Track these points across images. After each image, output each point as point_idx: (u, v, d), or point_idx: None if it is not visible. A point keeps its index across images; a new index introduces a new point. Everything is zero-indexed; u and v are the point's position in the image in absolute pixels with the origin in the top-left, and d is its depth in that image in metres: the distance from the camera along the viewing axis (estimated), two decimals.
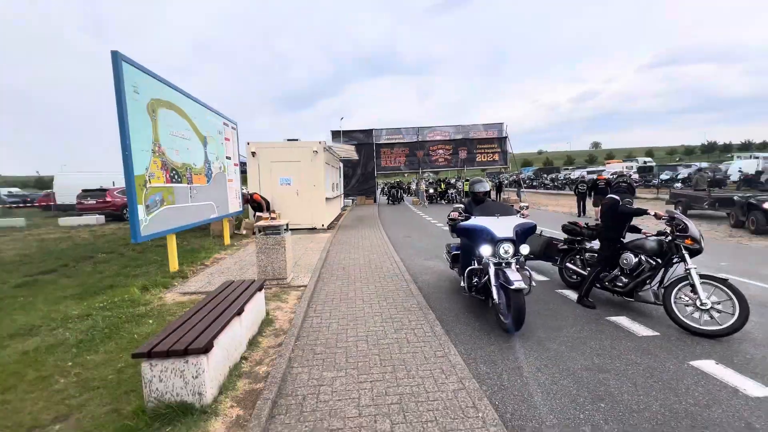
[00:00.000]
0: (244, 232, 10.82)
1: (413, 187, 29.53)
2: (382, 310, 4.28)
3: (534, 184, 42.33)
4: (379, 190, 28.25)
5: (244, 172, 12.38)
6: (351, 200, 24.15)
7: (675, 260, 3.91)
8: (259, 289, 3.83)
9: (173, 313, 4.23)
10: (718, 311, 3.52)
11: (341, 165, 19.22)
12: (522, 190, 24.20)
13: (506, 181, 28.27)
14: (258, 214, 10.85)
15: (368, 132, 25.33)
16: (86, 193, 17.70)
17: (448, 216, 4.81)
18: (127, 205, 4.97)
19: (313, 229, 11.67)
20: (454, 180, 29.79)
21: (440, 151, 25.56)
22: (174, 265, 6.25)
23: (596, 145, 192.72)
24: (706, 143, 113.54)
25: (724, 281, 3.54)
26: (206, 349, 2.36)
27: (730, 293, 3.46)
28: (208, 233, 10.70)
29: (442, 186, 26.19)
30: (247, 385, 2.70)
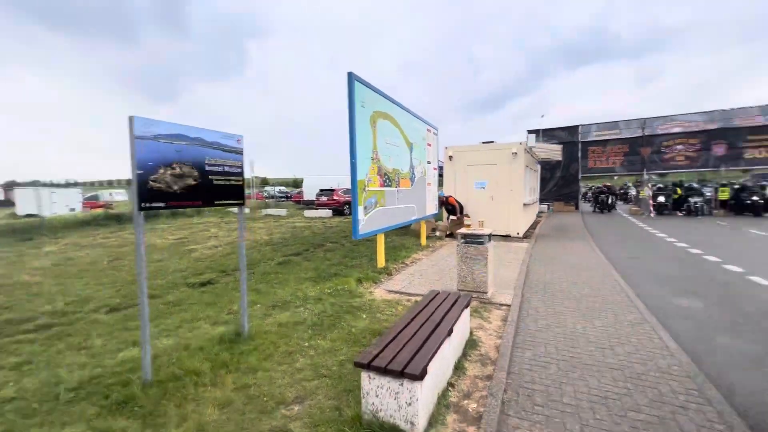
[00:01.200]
0: (438, 234, 11.07)
1: (631, 192, 23.63)
2: (620, 363, 3.19)
3: None
4: (581, 195, 24.01)
5: (441, 176, 12.75)
6: (546, 206, 21.50)
7: None
8: (466, 306, 3.50)
9: (382, 310, 4.47)
10: None
11: (539, 167, 17.28)
12: None
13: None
14: (451, 217, 10.88)
15: (572, 129, 21.88)
16: (321, 192, 22.60)
17: None
18: (351, 206, 5.70)
19: (507, 237, 10.80)
20: (697, 184, 22.10)
21: (679, 147, 19.35)
22: (381, 261, 6.85)
23: None
24: None
25: None
26: (421, 376, 2.15)
27: None
28: (406, 232, 11.52)
29: (679, 192, 19.77)
30: (458, 423, 2.38)
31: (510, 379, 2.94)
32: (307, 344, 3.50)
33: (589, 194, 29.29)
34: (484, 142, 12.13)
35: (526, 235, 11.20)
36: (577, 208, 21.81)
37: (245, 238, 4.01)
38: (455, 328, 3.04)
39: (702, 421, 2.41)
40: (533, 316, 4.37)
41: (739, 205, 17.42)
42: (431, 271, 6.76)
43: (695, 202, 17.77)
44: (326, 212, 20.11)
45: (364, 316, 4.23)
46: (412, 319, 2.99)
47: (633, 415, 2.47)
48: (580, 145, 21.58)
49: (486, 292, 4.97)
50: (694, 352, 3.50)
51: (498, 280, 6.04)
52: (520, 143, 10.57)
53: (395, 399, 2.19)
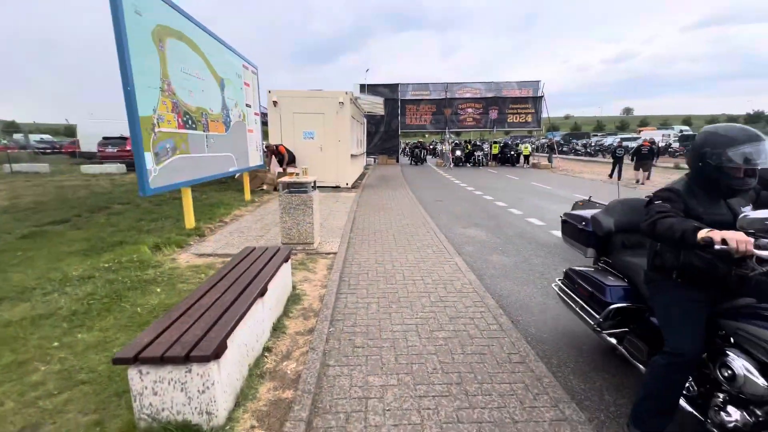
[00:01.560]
0: (266, 187, 10.17)
1: (438, 148, 28.07)
2: (428, 290, 3.56)
3: (564, 149, 39.85)
4: (401, 150, 26.96)
5: (265, 124, 11.55)
6: (373, 159, 23.13)
7: None
8: (285, 260, 3.14)
9: (186, 279, 3.64)
10: None
11: (365, 121, 18.05)
12: (554, 155, 22.54)
13: (532, 145, 26.48)
14: (279, 170, 10.13)
15: (394, 87, 23.65)
16: (107, 141, 17.35)
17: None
18: (132, 152, 4.28)
19: (336, 188, 10.93)
20: (479, 142, 28.13)
21: (469, 110, 23.78)
22: (190, 221, 5.67)
23: (628, 111, 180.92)
24: (752, 113, 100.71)
25: None
26: (217, 354, 1.69)
27: None
28: (228, 187, 10.12)
29: (469, 148, 24.72)
30: (272, 392, 2.07)
31: (333, 327, 2.83)
32: (56, 344, 2.44)
33: (407, 149, 33.26)
34: (312, 90, 11.53)
35: (354, 186, 11.65)
36: (397, 161, 24.34)
37: None
38: (271, 286, 2.65)
39: (484, 325, 2.88)
40: (358, 261, 4.44)
41: (503, 158, 23.08)
42: (255, 227, 6.08)
43: (478, 156, 22.56)
44: (115, 167, 15.69)
45: (159, 290, 3.32)
46: (215, 284, 2.41)
47: (438, 334, 2.75)
48: (399, 103, 23.63)
49: (312, 243, 4.76)
50: (478, 270, 4.28)
51: (326, 230, 5.95)
52: (346, 93, 10.49)
53: (183, 391, 1.67)
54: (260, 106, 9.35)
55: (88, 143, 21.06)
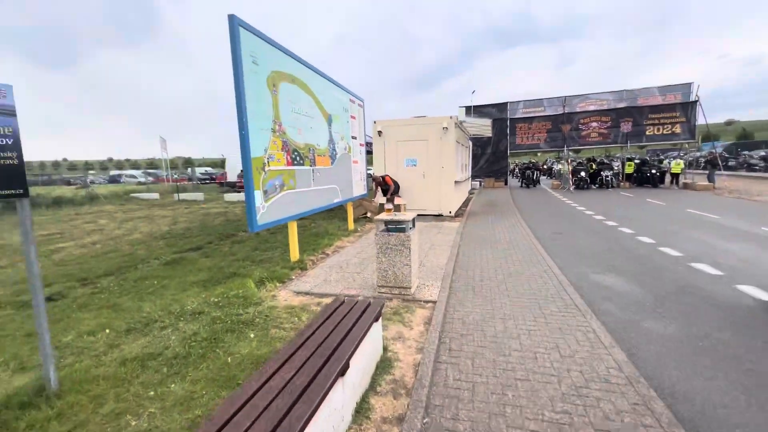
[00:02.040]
0: (368, 214, 10.27)
1: (555, 167, 25.17)
2: (556, 372, 2.67)
3: (731, 164, 31.43)
4: (510, 171, 24.99)
5: (369, 153, 11.86)
6: (478, 182, 21.96)
7: None
8: (376, 319, 2.71)
9: (280, 323, 3.53)
10: None
11: (470, 144, 17.26)
12: (718, 172, 17.76)
13: (685, 161, 21.40)
14: (383, 200, 10.12)
15: (502, 106, 22.32)
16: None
17: None
18: (244, 190, 4.56)
19: (439, 216, 10.39)
20: (607, 159, 24.19)
21: (594, 124, 20.74)
22: (295, 254, 5.83)
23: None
24: None
25: None
26: None
27: None
28: (335, 214, 10.55)
29: (593, 167, 21.41)
30: None
31: (428, 419, 2.23)
32: (152, 393, 2.44)
33: (517, 170, 30.85)
34: (416, 117, 11.45)
35: (458, 214, 10.93)
36: (506, 183, 22.60)
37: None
38: (356, 359, 2.22)
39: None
40: (461, 316, 3.76)
41: (640, 178, 19.28)
42: (354, 261, 5.94)
43: (606, 176, 19.31)
44: None
45: (252, 335, 3.25)
46: (292, 355, 2.09)
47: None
48: (508, 122, 22.13)
49: (409, 288, 4.27)
50: (627, 343, 3.15)
51: (425, 270, 5.42)
52: (451, 117, 10.04)
53: None
54: (366, 136, 9.58)
55: (232, 174, 25.35)
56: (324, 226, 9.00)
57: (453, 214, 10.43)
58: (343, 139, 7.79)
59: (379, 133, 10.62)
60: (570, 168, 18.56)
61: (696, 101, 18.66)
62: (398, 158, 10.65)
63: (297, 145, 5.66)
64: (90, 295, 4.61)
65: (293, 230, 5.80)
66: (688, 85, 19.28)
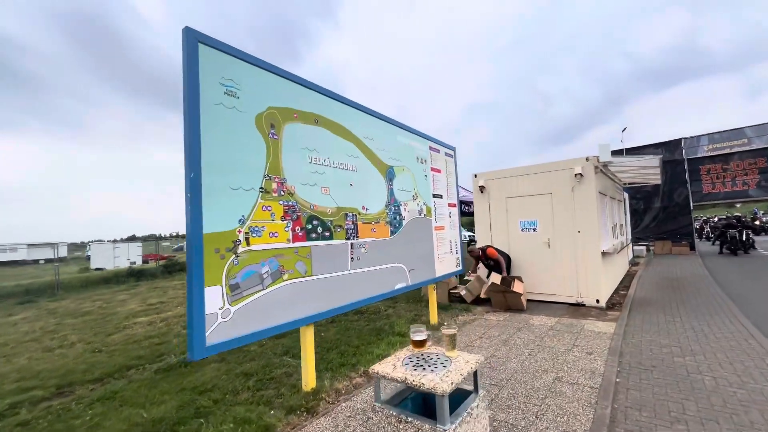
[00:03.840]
0: (463, 293, 7.46)
1: None
2: None
3: None
4: (697, 231, 17.68)
5: (470, 215, 9.36)
6: (645, 247, 16.05)
7: None
8: None
9: None
10: None
11: (626, 196, 12.68)
12: None
13: None
14: (491, 278, 7.28)
15: (672, 145, 16.63)
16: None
17: None
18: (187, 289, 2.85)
19: (577, 307, 6.79)
20: None
21: None
22: (310, 379, 3.70)
23: None
24: None
25: None
26: None
27: None
28: (410, 298, 8.11)
29: None
30: None
31: None
32: None
33: (707, 229, 22.27)
34: (533, 165, 8.57)
35: (613, 303, 7.01)
36: (692, 249, 15.90)
37: None
38: None
39: None
40: None
41: None
42: None
43: None
44: None
45: None
46: None
47: None
48: (686, 164, 16.16)
49: None
50: None
51: (547, 419, 2.48)
52: (587, 159, 6.85)
53: None
54: (460, 191, 7.25)
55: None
56: (384, 315, 6.69)
57: (602, 303, 6.67)
58: (416, 198, 5.70)
59: (481, 188, 8.12)
60: None
61: None
62: (509, 221, 7.79)
63: (318, 211, 3.84)
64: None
65: (308, 339, 3.73)
66: None
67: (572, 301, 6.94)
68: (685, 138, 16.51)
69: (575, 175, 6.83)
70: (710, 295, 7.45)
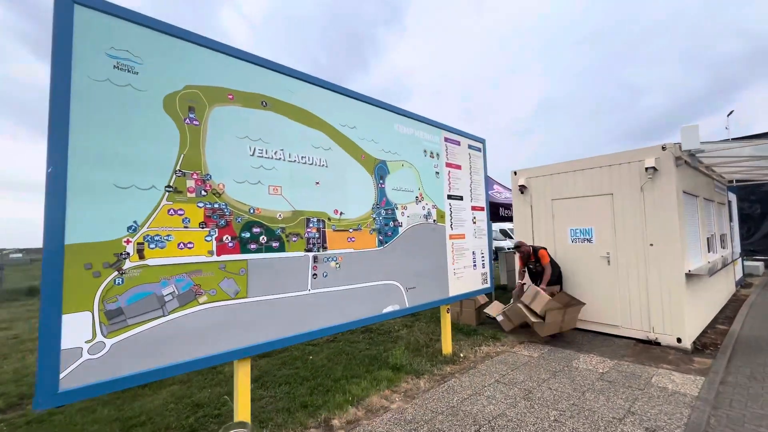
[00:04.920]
0: (498, 316, 6.07)
1: None
2: None
3: None
4: None
5: (508, 219, 7.94)
6: (762, 263, 12.57)
7: None
8: None
9: None
10: None
11: (730, 198, 9.92)
12: None
13: None
14: (539, 291, 5.84)
15: None
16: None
17: None
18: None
19: (647, 345, 5.08)
20: None
21: None
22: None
23: None
24: None
25: None
26: None
27: None
28: (432, 317, 6.91)
29: None
30: None
31: None
32: None
33: None
34: (588, 159, 6.85)
35: (704, 344, 5.13)
36: None
37: None
38: None
39: None
40: None
41: None
42: None
43: None
44: None
45: None
46: None
47: None
48: None
49: None
50: None
51: None
52: (664, 147, 5.12)
53: None
54: (487, 194, 5.98)
55: None
56: (405, 338, 5.66)
57: (687, 344, 4.87)
58: (421, 200, 4.65)
59: (522, 188, 6.69)
60: None
61: None
62: (555, 228, 6.26)
63: (264, 216, 3.06)
64: None
65: (240, 378, 2.94)
66: None
67: (641, 336, 5.23)
68: None
69: (646, 169, 5.14)
70: None
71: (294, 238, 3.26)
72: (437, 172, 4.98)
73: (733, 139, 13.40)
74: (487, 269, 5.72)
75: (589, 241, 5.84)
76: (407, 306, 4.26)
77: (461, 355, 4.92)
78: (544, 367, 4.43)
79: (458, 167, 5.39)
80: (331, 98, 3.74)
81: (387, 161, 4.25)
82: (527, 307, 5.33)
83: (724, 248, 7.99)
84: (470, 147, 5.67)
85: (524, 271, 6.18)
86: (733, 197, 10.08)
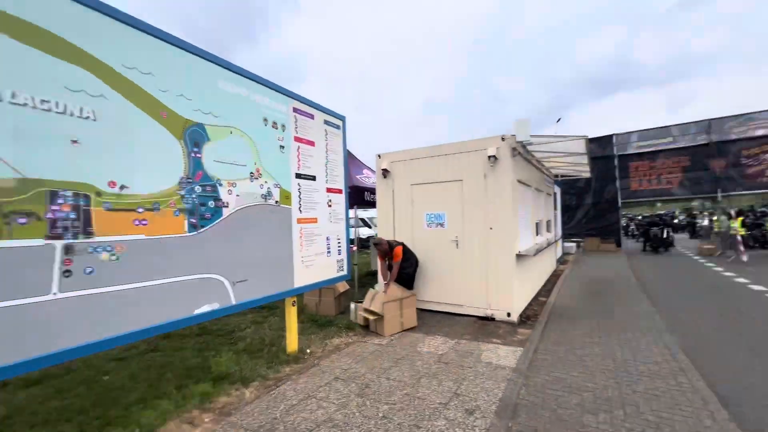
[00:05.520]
0: (352, 306, 5.82)
1: (704, 223, 17.41)
2: None
3: None
4: (623, 229, 17.83)
5: (370, 205, 7.84)
6: (575, 244, 15.75)
7: None
8: None
9: None
10: None
11: (556, 190, 11.93)
12: None
13: None
14: (369, 292, 5.69)
15: (605, 140, 16.41)
16: None
17: None
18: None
19: (485, 321, 5.49)
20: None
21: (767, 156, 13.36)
22: None
23: None
24: None
25: None
26: None
27: None
28: (302, 307, 6.38)
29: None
30: None
31: None
32: None
33: (632, 226, 23.02)
34: (443, 145, 7.11)
35: (528, 316, 5.82)
36: (618, 245, 15.88)
37: None
38: None
39: None
40: None
41: None
42: None
43: None
44: None
45: None
46: None
47: None
48: (617, 161, 16.02)
49: None
50: None
51: None
52: (503, 138, 5.51)
53: None
54: (347, 176, 5.60)
55: None
56: (250, 337, 4.95)
57: (515, 318, 5.42)
58: (258, 177, 3.92)
59: (385, 172, 6.56)
60: (740, 224, 11.41)
61: None
62: (414, 213, 6.32)
63: None
64: None
65: None
66: None
67: (481, 314, 5.63)
68: (616, 134, 16.37)
69: (489, 158, 5.46)
70: (633, 301, 6.56)
71: (21, 220, 2.20)
72: (282, 146, 4.31)
73: (552, 135, 16.16)
74: (344, 256, 5.36)
75: (441, 225, 6.02)
76: (233, 303, 3.54)
77: (308, 351, 4.45)
78: (390, 355, 4.29)
79: (311, 143, 4.82)
80: (105, 26, 2.68)
81: (206, 125, 3.39)
82: (368, 310, 5.19)
83: (549, 232, 9.47)
84: (327, 123, 5.16)
85: (383, 268, 6.01)
86: (558, 190, 12.14)
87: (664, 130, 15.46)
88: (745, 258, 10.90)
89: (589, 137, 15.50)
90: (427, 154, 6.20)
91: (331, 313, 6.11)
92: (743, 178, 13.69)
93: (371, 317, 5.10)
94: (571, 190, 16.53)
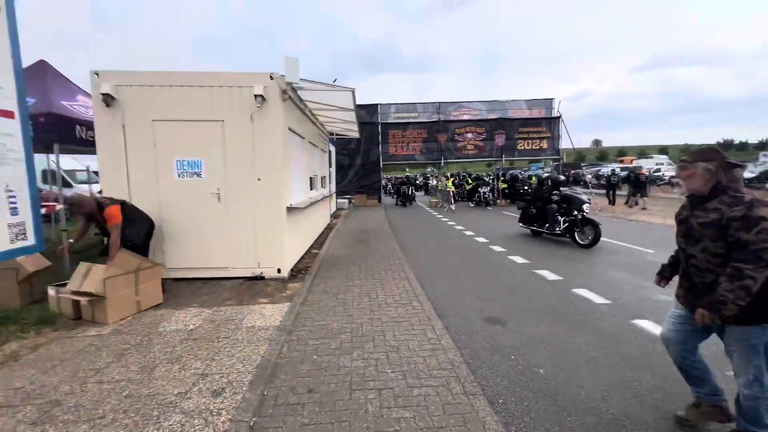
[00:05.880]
0: (50, 291, 4.03)
1: (432, 183, 22.88)
2: None
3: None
4: (383, 187, 21.47)
5: (88, 144, 5.74)
6: (347, 200, 17.48)
7: None
8: None
9: None
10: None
11: (331, 148, 12.52)
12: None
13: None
14: (80, 265, 4.07)
15: (372, 108, 18.54)
16: None
17: None
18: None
19: (254, 281, 5.02)
20: (484, 175, 23.27)
21: (469, 135, 18.77)
22: None
23: (598, 143, 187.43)
24: (721, 142, 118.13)
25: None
26: None
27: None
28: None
29: (469, 182, 19.56)
30: None
31: None
32: None
33: (389, 186, 28.00)
34: (195, 73, 5.77)
35: (299, 270, 5.77)
36: (379, 201, 18.79)
37: None
38: None
39: None
40: None
41: (513, 195, 17.91)
42: None
43: (484, 193, 17.35)
44: None
45: None
46: None
47: None
48: (380, 128, 18.46)
49: None
50: None
51: None
52: (272, 76, 4.88)
53: None
54: (20, 96, 3.54)
55: None
56: None
57: (286, 274, 5.21)
58: None
59: (108, 99, 4.66)
60: (449, 183, 15.63)
61: (558, 117, 18.44)
62: (158, 160, 4.86)
63: None
64: None
65: None
66: (550, 100, 19.11)
67: (249, 274, 5.10)
68: (381, 104, 18.76)
69: (255, 96, 4.72)
70: (388, 246, 7.72)
71: None
72: None
73: (323, 83, 16.97)
74: (27, 217, 3.47)
75: (198, 175, 4.92)
76: None
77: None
78: (114, 347, 3.14)
79: None
80: None
81: None
82: (78, 292, 3.69)
83: (324, 188, 9.82)
84: None
85: (82, 230, 4.33)
86: (333, 148, 12.76)
87: (411, 106, 18.92)
88: (453, 208, 15.13)
89: (359, 104, 16.62)
90: (176, 82, 4.78)
91: (14, 304, 4.03)
92: (456, 150, 18.75)
93: (84, 300, 3.61)
94: (344, 150, 17.94)
